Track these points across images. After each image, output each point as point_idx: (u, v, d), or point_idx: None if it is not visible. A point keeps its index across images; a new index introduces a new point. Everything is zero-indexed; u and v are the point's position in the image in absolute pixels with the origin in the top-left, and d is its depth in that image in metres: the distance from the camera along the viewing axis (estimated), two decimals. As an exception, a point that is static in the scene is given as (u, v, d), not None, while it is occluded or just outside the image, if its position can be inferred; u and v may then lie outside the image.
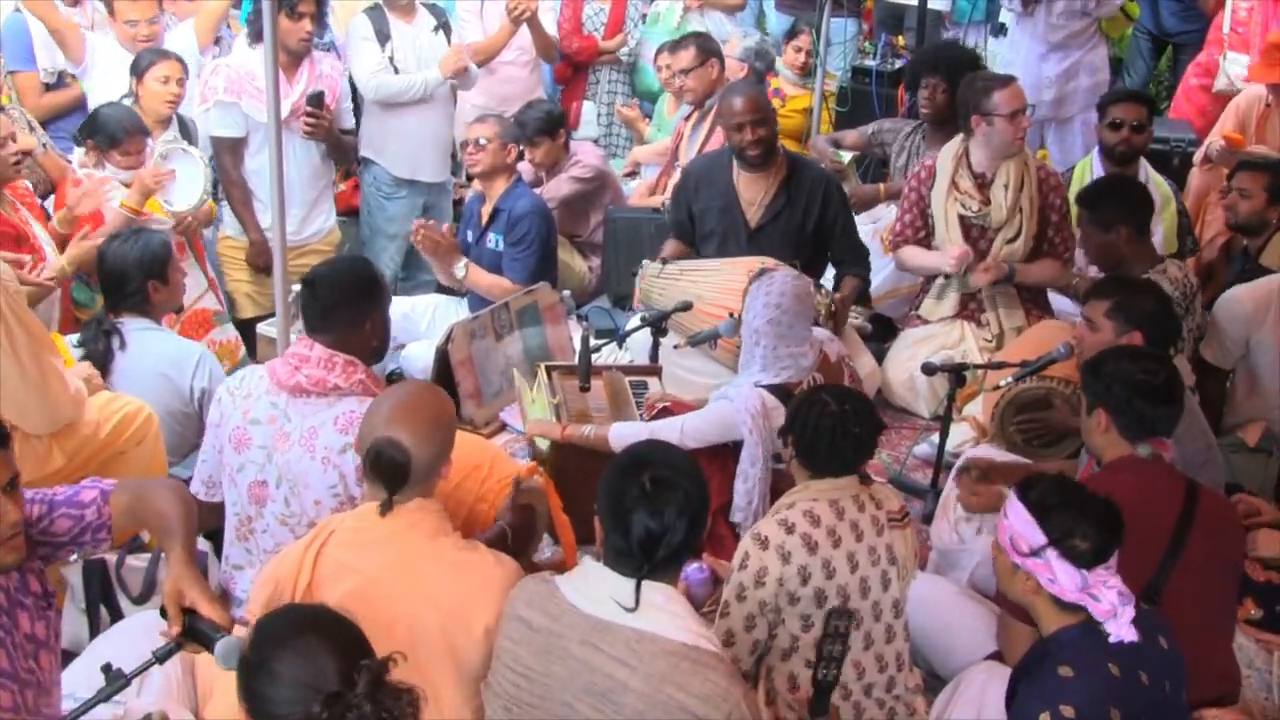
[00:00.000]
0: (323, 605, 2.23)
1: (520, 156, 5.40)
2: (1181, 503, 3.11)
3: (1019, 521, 2.63)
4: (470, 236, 5.34)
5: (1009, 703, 2.70)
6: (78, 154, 4.94)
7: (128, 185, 4.75)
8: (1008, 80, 4.92)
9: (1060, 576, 2.57)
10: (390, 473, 2.65)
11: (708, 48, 6.15)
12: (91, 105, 5.40)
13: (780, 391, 3.64)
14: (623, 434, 3.67)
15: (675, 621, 2.41)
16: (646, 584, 2.42)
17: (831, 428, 2.92)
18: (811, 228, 4.96)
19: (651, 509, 2.40)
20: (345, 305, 3.22)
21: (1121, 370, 3.18)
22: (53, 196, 4.94)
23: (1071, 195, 5.06)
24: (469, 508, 3.18)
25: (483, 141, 5.14)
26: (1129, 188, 4.69)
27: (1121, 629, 2.54)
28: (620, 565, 2.44)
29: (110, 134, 4.79)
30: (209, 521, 3.56)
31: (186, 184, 4.90)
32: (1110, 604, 2.55)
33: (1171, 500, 3.11)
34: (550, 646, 2.43)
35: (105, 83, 5.46)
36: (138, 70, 5.16)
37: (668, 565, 2.45)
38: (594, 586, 2.45)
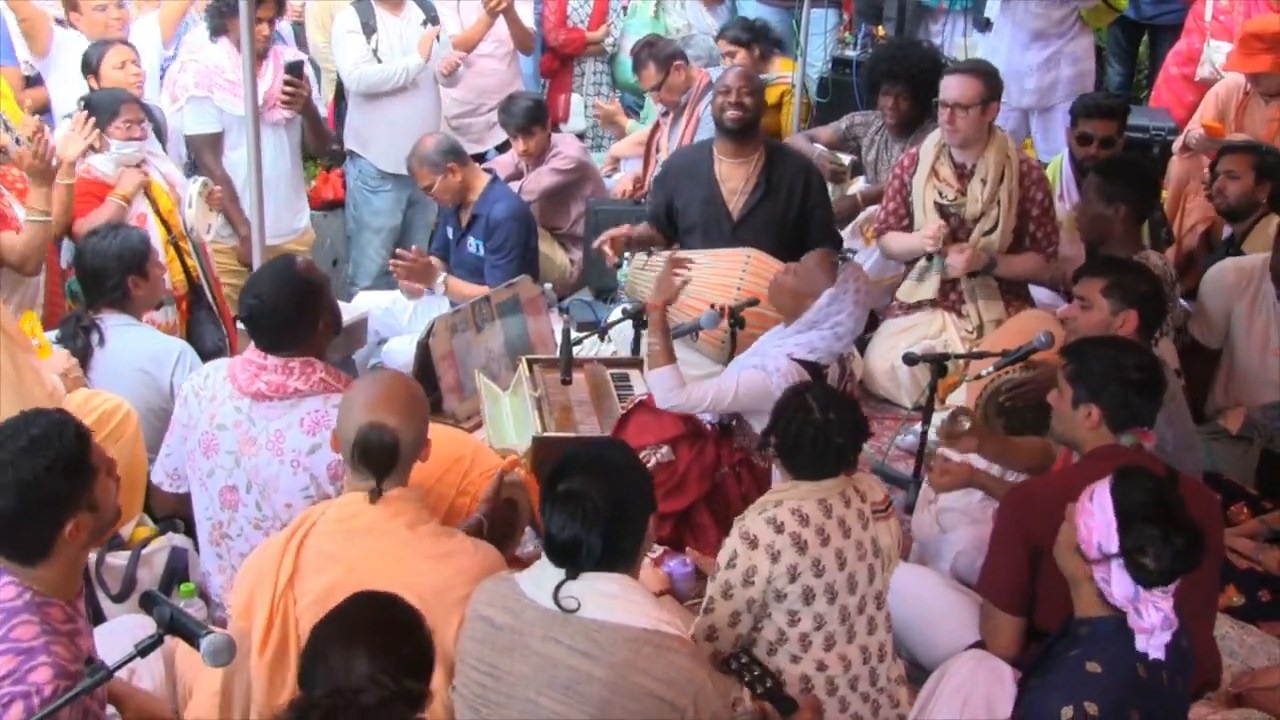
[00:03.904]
0: (408, 610, 2.27)
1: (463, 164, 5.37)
2: (1163, 491, 3.10)
3: (1100, 516, 2.54)
4: (450, 234, 5.33)
5: (1025, 680, 2.70)
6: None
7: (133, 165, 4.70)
8: (967, 69, 4.92)
9: (1115, 585, 2.52)
10: (380, 457, 2.64)
11: (663, 55, 6.13)
12: (55, 106, 5.29)
13: (812, 368, 3.71)
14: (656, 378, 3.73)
15: (633, 609, 2.41)
16: (602, 576, 2.41)
17: (813, 438, 2.89)
18: (793, 217, 4.96)
19: (559, 520, 2.42)
20: (291, 324, 3.18)
21: (1115, 365, 3.12)
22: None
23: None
24: (450, 501, 3.17)
25: (433, 187, 5.15)
26: (1144, 171, 4.73)
27: (1151, 646, 2.50)
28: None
29: (107, 106, 4.67)
30: (175, 509, 3.57)
31: None
32: (1151, 624, 2.49)
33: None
34: (513, 644, 2.43)
35: (68, 80, 5.33)
36: (91, 67, 5.09)
37: (608, 565, 2.43)
38: (551, 581, 2.44)
